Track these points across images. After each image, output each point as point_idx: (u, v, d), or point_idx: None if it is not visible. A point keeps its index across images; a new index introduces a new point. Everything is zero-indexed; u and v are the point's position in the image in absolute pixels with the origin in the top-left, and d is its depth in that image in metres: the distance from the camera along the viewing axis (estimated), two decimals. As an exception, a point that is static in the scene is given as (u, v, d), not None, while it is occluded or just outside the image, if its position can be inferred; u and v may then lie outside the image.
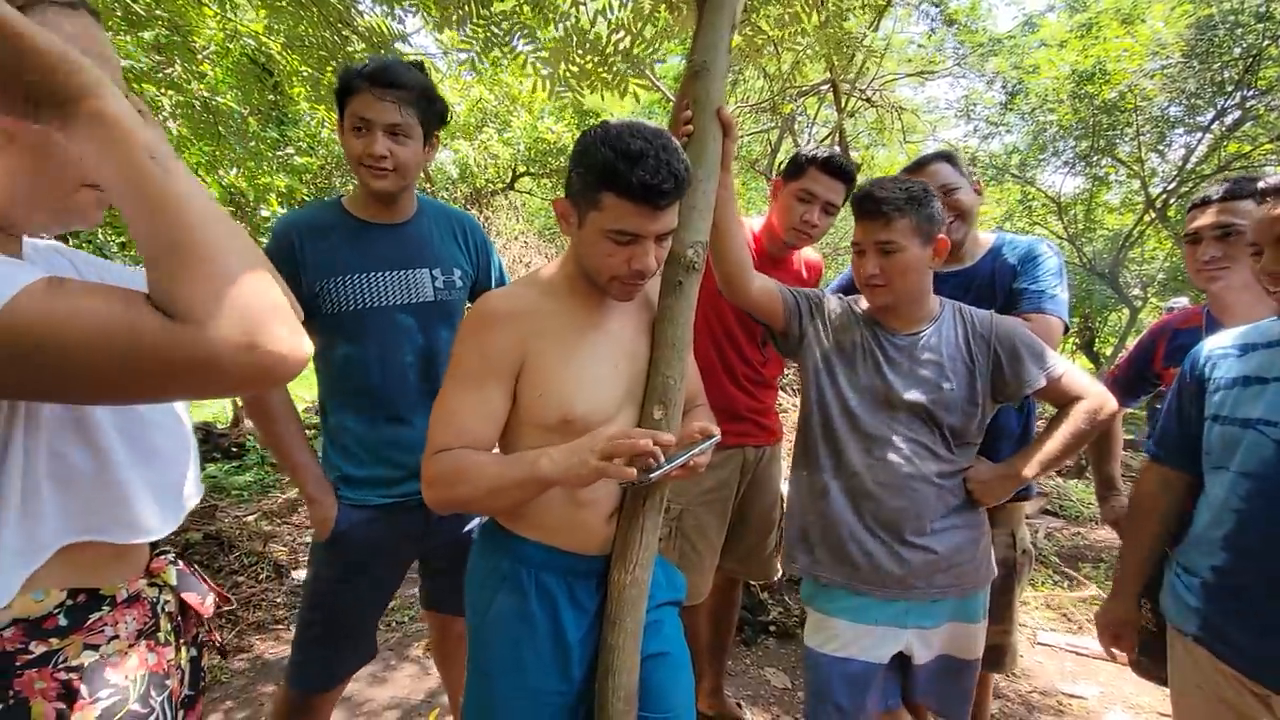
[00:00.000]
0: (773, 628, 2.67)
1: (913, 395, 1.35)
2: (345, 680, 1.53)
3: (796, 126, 8.01)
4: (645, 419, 1.10)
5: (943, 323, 1.41)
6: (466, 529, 1.57)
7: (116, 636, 0.70)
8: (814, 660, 1.42)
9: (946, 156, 1.69)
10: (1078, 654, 2.71)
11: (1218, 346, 1.24)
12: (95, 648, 0.68)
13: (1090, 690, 2.44)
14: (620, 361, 1.10)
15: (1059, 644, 2.79)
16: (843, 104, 6.51)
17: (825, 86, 6.45)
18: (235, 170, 4.77)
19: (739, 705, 2.15)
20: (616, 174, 0.95)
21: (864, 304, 1.47)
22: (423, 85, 1.36)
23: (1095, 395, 1.35)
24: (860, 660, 1.38)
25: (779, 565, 2.00)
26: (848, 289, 1.77)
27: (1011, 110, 8.37)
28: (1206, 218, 1.48)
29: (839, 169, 1.73)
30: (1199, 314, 1.59)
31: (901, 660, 1.43)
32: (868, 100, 6.87)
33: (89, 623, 0.68)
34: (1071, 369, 1.38)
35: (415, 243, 1.47)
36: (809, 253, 2.00)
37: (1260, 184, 1.09)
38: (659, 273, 1.14)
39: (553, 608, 1.07)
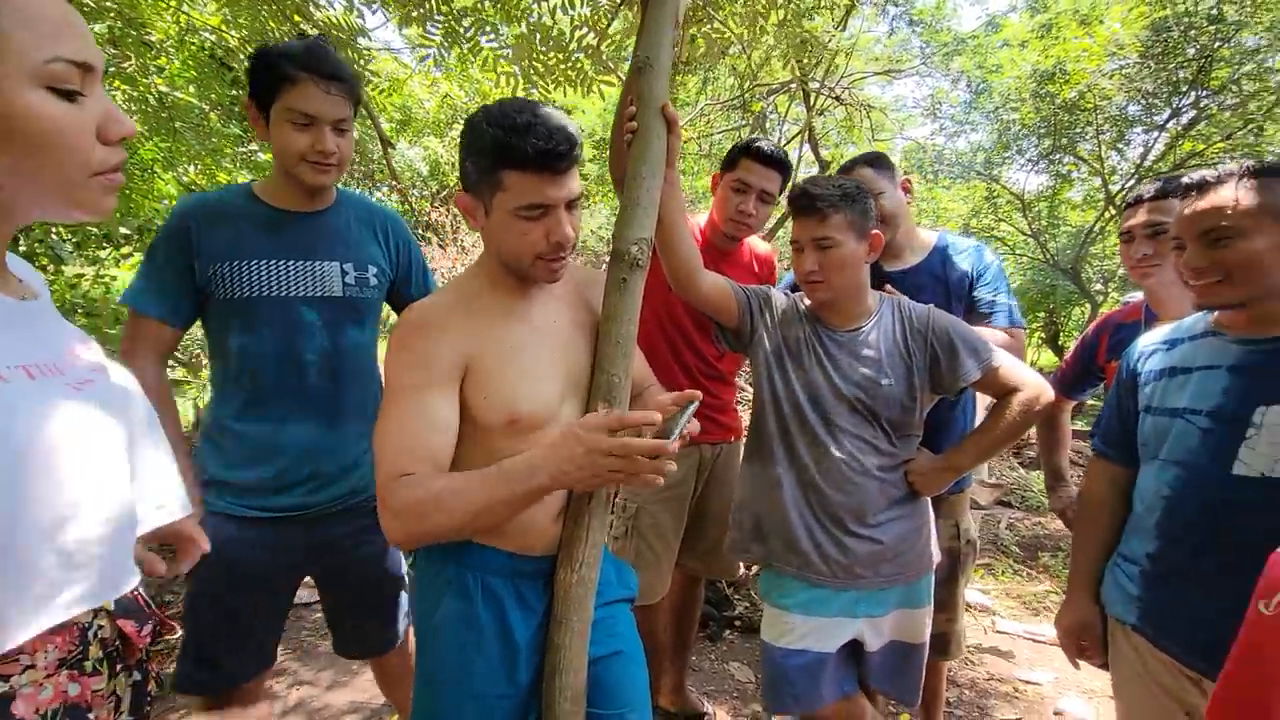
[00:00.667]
0: (738, 623, 2.69)
1: (852, 391, 1.38)
2: (238, 686, 1.40)
3: (768, 125, 8.07)
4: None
5: (881, 319, 1.44)
6: (369, 550, 1.45)
7: (32, 666, 0.67)
8: (770, 653, 1.45)
9: (870, 161, 1.73)
10: (1035, 641, 2.78)
11: (1149, 342, 1.28)
12: (5, 679, 0.64)
13: (1045, 676, 2.50)
14: (556, 354, 1.09)
15: (1017, 632, 2.86)
16: (812, 102, 6.57)
17: (795, 84, 6.50)
18: (194, 167, 4.65)
19: (701, 700, 2.16)
20: (510, 148, 0.93)
21: (808, 301, 1.49)
22: (353, 73, 1.33)
23: (1032, 386, 1.38)
24: (814, 651, 1.41)
25: (740, 563, 2.02)
26: (796, 286, 1.79)
27: (976, 109, 8.53)
28: (1138, 217, 1.53)
29: (770, 157, 1.76)
30: (1139, 309, 1.64)
31: (856, 648, 1.47)
32: (836, 98, 6.94)
33: (3, 653, 0.64)
34: (1008, 361, 1.41)
35: (328, 234, 1.39)
36: (760, 246, 2.02)
37: (1185, 179, 1.11)
38: (603, 271, 1.14)
39: (499, 610, 1.06)
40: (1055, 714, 2.29)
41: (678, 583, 2.00)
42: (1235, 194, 1.04)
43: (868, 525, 1.38)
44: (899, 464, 1.42)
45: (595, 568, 1.08)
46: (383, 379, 1.02)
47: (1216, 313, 1.16)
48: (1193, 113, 7.28)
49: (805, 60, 5.16)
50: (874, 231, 1.40)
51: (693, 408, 0.97)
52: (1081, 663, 1.35)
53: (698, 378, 1.87)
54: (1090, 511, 1.34)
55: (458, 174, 1.06)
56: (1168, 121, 7.48)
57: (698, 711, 2.10)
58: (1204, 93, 7.00)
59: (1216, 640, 1.07)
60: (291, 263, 1.33)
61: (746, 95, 6.92)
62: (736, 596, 2.83)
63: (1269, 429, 1.04)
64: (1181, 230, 1.11)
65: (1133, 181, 7.72)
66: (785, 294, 1.53)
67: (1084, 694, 2.40)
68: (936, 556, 1.48)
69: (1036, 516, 4.34)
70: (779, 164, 1.77)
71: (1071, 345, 2.00)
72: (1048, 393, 1.39)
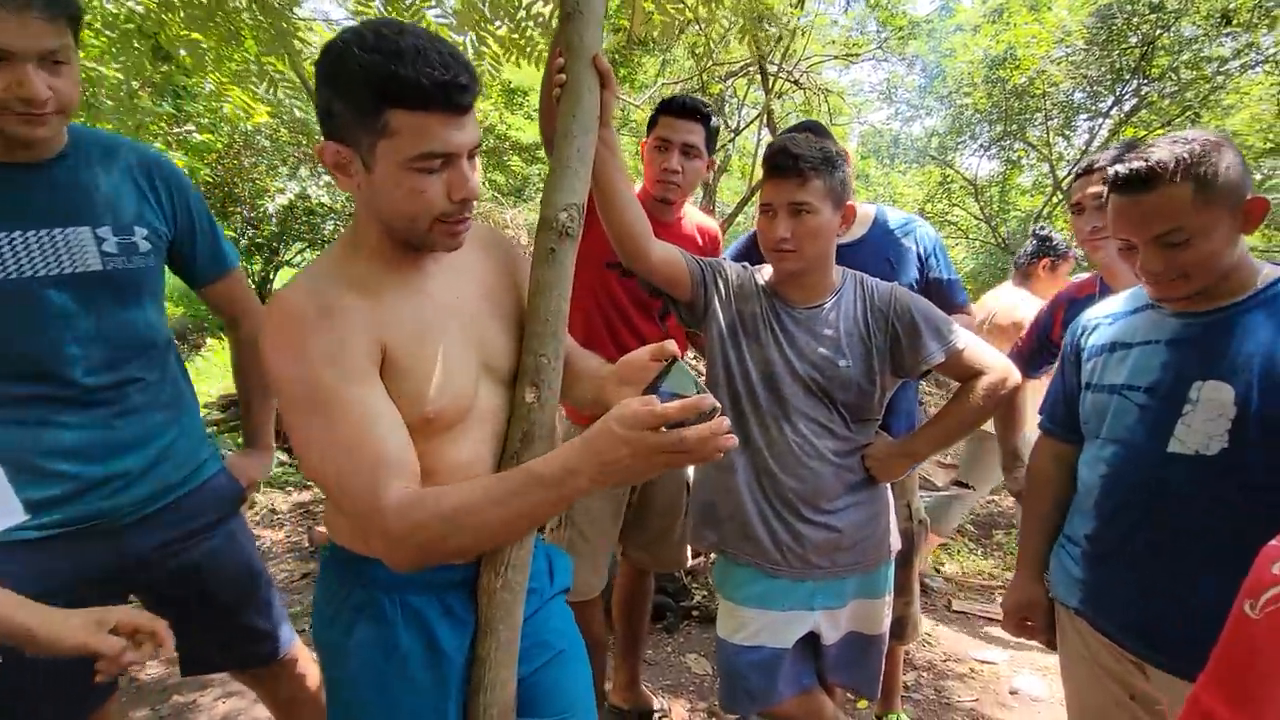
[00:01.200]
0: (695, 613, 2.63)
1: (807, 371, 1.31)
2: None
3: (727, 109, 8.01)
4: (517, 403, 0.99)
5: (843, 296, 1.36)
6: (187, 559, 1.22)
7: None
8: (724, 649, 1.39)
9: (808, 129, 1.66)
10: (990, 619, 2.80)
11: (1093, 315, 1.24)
12: None
13: (1000, 655, 2.51)
14: (468, 335, 0.94)
15: (972, 611, 2.87)
16: (770, 86, 6.52)
17: (753, 67, 6.44)
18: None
19: (654, 695, 2.08)
20: (398, 81, 0.74)
21: (765, 274, 1.40)
22: None
23: (997, 370, 1.32)
24: (769, 647, 1.35)
25: (690, 553, 1.94)
26: (743, 255, 1.70)
27: (931, 93, 8.62)
28: (1090, 187, 1.48)
29: (684, 107, 1.68)
30: (1093, 283, 1.60)
31: (813, 640, 1.41)
32: (795, 82, 6.90)
33: None
34: (974, 342, 1.35)
35: (65, 191, 1.08)
36: (704, 219, 1.92)
37: (1116, 169, 1.02)
38: (500, 230, 1.01)
39: (425, 629, 0.92)
40: (1011, 693, 2.30)
41: (625, 576, 1.92)
42: (1182, 193, 0.96)
43: (822, 512, 1.32)
44: (856, 449, 1.35)
45: (524, 570, 0.97)
46: (275, 387, 0.80)
47: None
48: (1134, 100, 7.49)
49: (762, 37, 5.07)
50: (849, 203, 1.31)
51: (682, 364, 0.81)
52: (1037, 642, 1.32)
53: None
54: (1037, 490, 1.32)
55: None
56: (1111, 109, 7.69)
57: (648, 708, 2.02)
58: (1145, 80, 7.20)
59: (1151, 622, 1.06)
60: (21, 234, 1.03)
61: (704, 77, 6.82)
62: (694, 585, 2.76)
63: (1204, 405, 1.00)
64: (1129, 234, 1.03)
65: (1079, 168, 7.92)
66: (743, 265, 1.44)
67: (1038, 671, 2.41)
68: (896, 544, 1.42)
69: (990, 495, 4.41)
70: (697, 114, 1.68)
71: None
72: (1014, 376, 1.33)
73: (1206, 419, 1.00)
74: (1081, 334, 1.24)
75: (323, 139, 0.81)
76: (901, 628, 1.78)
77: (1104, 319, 1.21)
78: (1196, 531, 1.01)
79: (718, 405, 0.74)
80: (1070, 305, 1.64)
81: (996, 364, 1.33)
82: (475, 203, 0.86)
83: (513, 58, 2.46)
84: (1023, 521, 1.36)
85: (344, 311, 0.81)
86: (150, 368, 1.19)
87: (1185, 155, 0.96)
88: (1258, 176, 7.18)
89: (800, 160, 1.24)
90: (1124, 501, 1.09)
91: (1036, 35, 7.02)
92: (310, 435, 0.79)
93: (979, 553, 3.48)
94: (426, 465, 0.85)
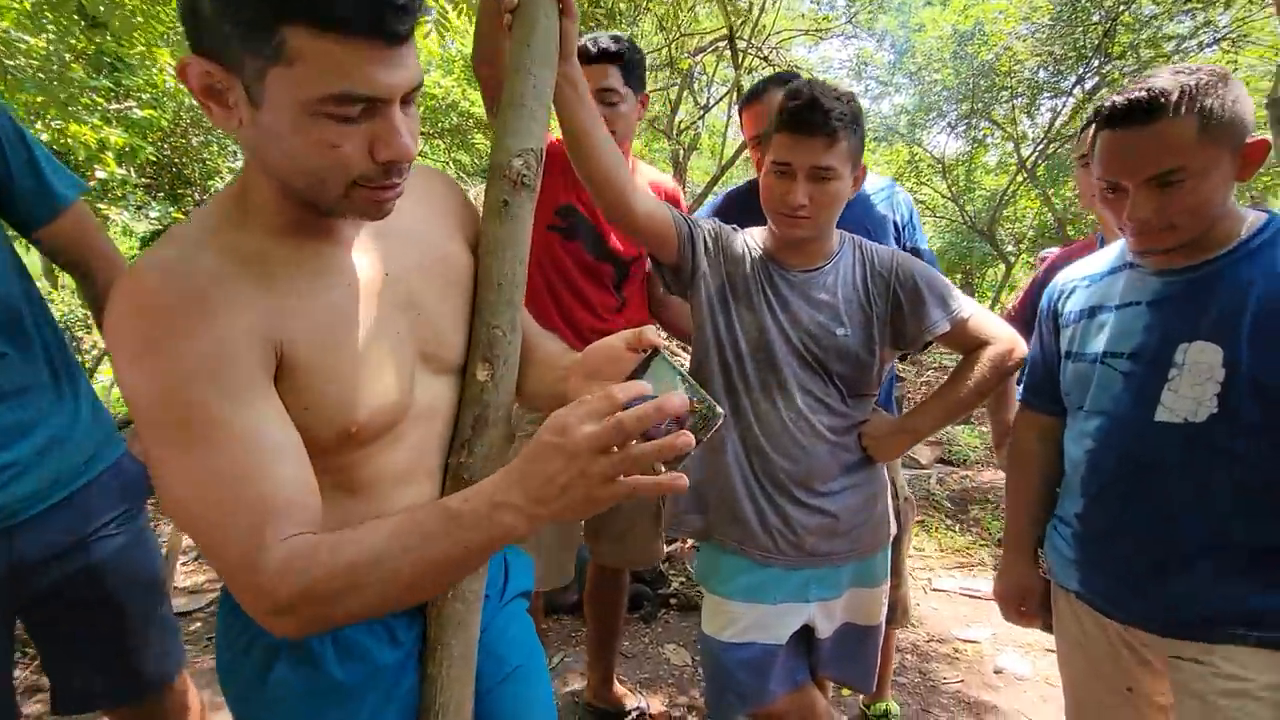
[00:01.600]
0: (674, 601, 2.53)
1: (802, 340, 1.19)
2: None
3: (697, 86, 7.85)
4: (469, 382, 0.85)
5: (841, 260, 1.24)
6: (87, 560, 1.07)
7: None
8: (710, 648, 1.27)
9: (784, 82, 1.53)
10: (971, 596, 2.76)
11: (1069, 278, 1.15)
12: None
13: (983, 633, 2.47)
14: (402, 322, 0.74)
15: (953, 589, 2.83)
16: (739, 61, 6.39)
17: (723, 43, 6.31)
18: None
19: (629, 693, 1.98)
20: None
21: (755, 236, 1.27)
22: None
23: (1003, 340, 1.23)
24: (761, 644, 1.24)
25: (663, 548, 1.82)
26: (726, 215, 1.58)
27: (900, 70, 8.58)
28: None
29: (589, 53, 1.47)
30: (1093, 243, 1.52)
31: (806, 633, 1.31)
32: (764, 59, 6.78)
33: None
34: (979, 311, 1.25)
35: None
36: (658, 176, 1.75)
37: (1113, 100, 0.90)
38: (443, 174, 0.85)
39: (366, 659, 0.77)
40: (995, 672, 2.26)
41: (596, 569, 1.81)
42: (1186, 127, 0.86)
43: (816, 494, 1.21)
44: (852, 426, 1.24)
45: (480, 576, 0.84)
46: (129, 399, 0.60)
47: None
48: (1096, 79, 7.54)
49: (732, 10, 4.92)
50: (862, 164, 1.20)
51: (665, 356, 0.64)
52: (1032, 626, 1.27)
53: (589, 337, 1.59)
54: (1020, 468, 1.23)
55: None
56: (1073, 88, 7.73)
57: (620, 707, 1.91)
58: (1106, 59, 7.25)
59: (1148, 600, 0.99)
60: None
61: (673, 52, 6.65)
62: (672, 572, 2.67)
63: (1191, 368, 0.92)
64: (1120, 174, 0.92)
65: (1041, 146, 8.01)
66: (733, 227, 1.31)
67: (1020, 648, 2.38)
68: (894, 528, 1.33)
69: (964, 470, 4.41)
70: (607, 55, 1.48)
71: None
72: (1020, 347, 1.24)
73: (1194, 383, 0.92)
74: (1059, 298, 1.15)
75: (188, 51, 0.58)
76: (893, 612, 1.70)
77: (1080, 281, 1.12)
78: (1189, 503, 0.94)
79: (719, 410, 0.58)
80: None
81: (1003, 334, 1.23)
82: (409, 165, 0.65)
83: (462, 15, 2.28)
84: (1009, 503, 1.27)
85: (226, 300, 0.60)
86: (13, 341, 1.01)
87: (1191, 85, 0.86)
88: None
89: (832, 117, 1.08)
90: (1113, 476, 1.02)
91: (1004, 10, 7.01)
92: (174, 466, 0.59)
93: (956, 529, 3.45)
94: (352, 478, 0.71)
